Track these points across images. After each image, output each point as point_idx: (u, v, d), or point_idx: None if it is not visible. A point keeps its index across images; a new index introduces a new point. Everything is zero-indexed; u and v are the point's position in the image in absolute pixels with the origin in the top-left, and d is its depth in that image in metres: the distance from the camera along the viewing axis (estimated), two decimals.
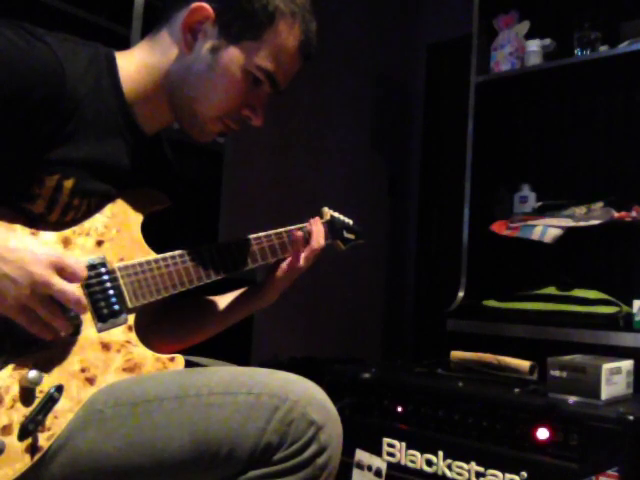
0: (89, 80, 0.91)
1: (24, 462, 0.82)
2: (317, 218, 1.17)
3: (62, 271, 0.81)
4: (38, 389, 0.84)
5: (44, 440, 0.84)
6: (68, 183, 0.90)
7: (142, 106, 0.99)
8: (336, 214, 1.25)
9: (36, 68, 0.84)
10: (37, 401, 0.84)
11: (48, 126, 0.86)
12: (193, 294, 1.13)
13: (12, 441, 0.81)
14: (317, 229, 1.15)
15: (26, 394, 0.83)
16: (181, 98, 0.99)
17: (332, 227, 1.22)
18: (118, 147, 0.97)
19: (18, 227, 0.88)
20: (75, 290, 0.82)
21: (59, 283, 0.80)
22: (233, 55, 0.96)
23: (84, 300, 0.85)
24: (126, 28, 1.99)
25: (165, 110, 1.02)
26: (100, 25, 1.96)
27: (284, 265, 1.11)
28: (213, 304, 1.17)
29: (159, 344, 1.06)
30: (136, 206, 1.00)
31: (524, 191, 2.51)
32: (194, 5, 0.95)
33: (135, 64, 0.99)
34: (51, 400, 0.84)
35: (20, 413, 0.83)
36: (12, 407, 0.82)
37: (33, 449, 0.83)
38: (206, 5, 0.95)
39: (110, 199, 0.97)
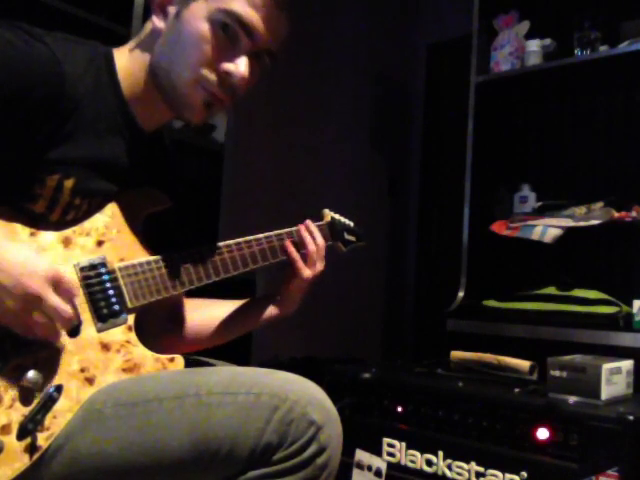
0: (88, 79, 0.91)
1: (23, 462, 0.82)
2: (307, 221, 1.15)
3: (58, 286, 0.82)
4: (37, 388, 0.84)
5: (43, 440, 0.84)
6: (69, 183, 0.90)
7: (141, 103, 0.99)
8: (337, 216, 1.24)
9: (35, 68, 0.84)
10: (36, 401, 0.84)
11: (48, 126, 0.86)
12: (205, 297, 1.13)
13: (11, 440, 0.81)
14: (305, 234, 1.13)
15: (25, 394, 0.83)
16: (161, 76, 0.96)
17: (333, 229, 1.21)
18: (118, 146, 0.97)
19: (19, 227, 0.88)
20: (66, 307, 0.83)
21: (52, 298, 0.81)
22: (195, 9, 0.92)
23: (73, 318, 0.85)
24: (126, 28, 1.99)
25: (162, 106, 1.01)
26: (100, 25, 1.96)
27: (290, 275, 1.11)
28: (227, 310, 1.16)
29: (164, 346, 1.06)
30: (137, 206, 1.00)
31: (524, 191, 2.51)
32: None
33: (130, 59, 0.98)
34: (50, 400, 0.84)
35: (19, 413, 0.83)
36: (11, 407, 0.82)
37: (32, 449, 0.83)
38: None
39: (111, 198, 0.97)
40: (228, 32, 0.92)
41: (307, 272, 1.11)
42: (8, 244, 0.83)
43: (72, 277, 0.89)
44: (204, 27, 0.92)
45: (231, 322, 1.15)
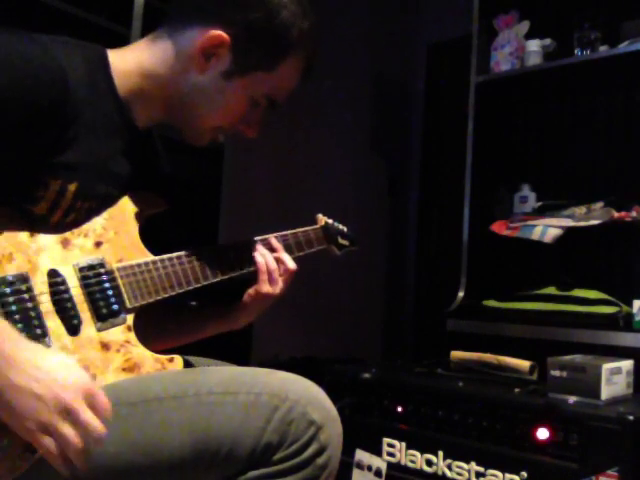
0: (86, 82, 0.91)
1: (25, 460, 0.82)
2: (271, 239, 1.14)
3: (91, 400, 0.77)
4: None
5: None
6: (72, 187, 0.90)
7: (136, 104, 1.00)
8: (330, 221, 1.28)
9: (40, 76, 0.84)
10: None
11: (53, 132, 0.86)
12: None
13: (13, 438, 0.81)
14: (276, 246, 1.13)
15: None
16: (182, 111, 1.02)
17: (327, 232, 1.25)
18: (117, 147, 0.98)
19: (15, 229, 0.88)
20: (99, 425, 0.77)
21: (87, 413, 0.76)
22: (244, 84, 0.99)
23: (102, 437, 0.80)
24: (126, 28, 1.99)
25: (158, 111, 1.03)
26: (100, 25, 1.96)
27: (251, 291, 1.11)
28: (193, 314, 1.17)
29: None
30: (133, 209, 1.01)
31: (524, 191, 2.51)
32: (213, 33, 0.95)
33: (133, 64, 0.99)
34: None
35: None
36: None
37: (34, 447, 0.82)
38: (224, 34, 0.95)
39: (111, 199, 0.98)
40: (258, 106, 1.02)
41: (267, 288, 1.09)
42: (43, 353, 0.78)
43: (71, 275, 0.89)
44: (244, 102, 1.00)
45: (194, 328, 1.16)
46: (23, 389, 0.74)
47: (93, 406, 0.76)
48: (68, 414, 0.75)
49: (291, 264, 1.11)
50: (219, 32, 0.95)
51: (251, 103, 1.01)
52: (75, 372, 0.78)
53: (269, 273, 1.09)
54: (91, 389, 0.77)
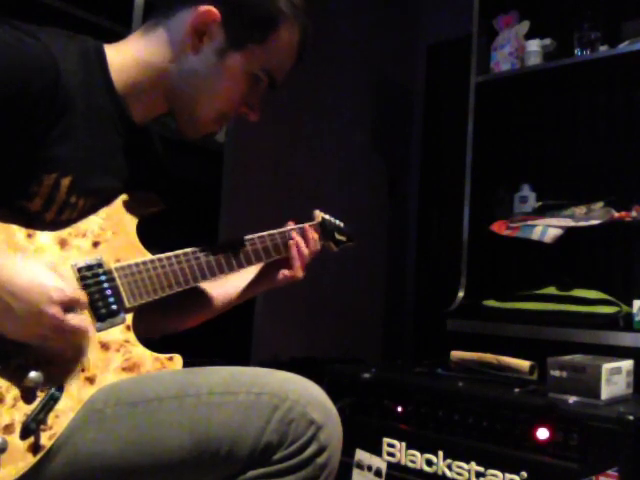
0: (80, 74, 0.91)
1: (27, 461, 0.82)
2: (306, 225, 1.19)
3: (70, 304, 0.82)
4: (39, 388, 0.84)
5: (46, 439, 0.84)
6: (66, 181, 0.90)
7: (134, 98, 0.99)
8: (327, 216, 1.26)
9: (29, 64, 0.83)
10: (38, 400, 0.84)
11: (45, 121, 0.86)
12: None
13: (14, 440, 0.81)
14: (311, 235, 1.17)
15: (27, 393, 0.83)
16: (182, 98, 1.00)
17: (324, 229, 1.24)
18: (112, 140, 0.98)
19: (15, 229, 0.88)
20: (82, 320, 0.84)
21: (69, 320, 0.82)
22: (239, 59, 0.98)
23: (91, 329, 0.87)
24: (126, 28, 1.99)
25: (157, 103, 1.02)
26: (100, 25, 1.96)
27: (286, 272, 1.14)
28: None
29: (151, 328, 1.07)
30: (131, 209, 1.01)
31: (524, 191, 2.51)
32: (202, 9, 0.95)
33: (129, 57, 0.98)
34: (52, 399, 0.84)
35: (21, 412, 0.83)
36: (14, 406, 0.82)
37: (36, 448, 0.83)
38: (214, 9, 0.95)
39: (106, 195, 0.98)
40: (258, 84, 1.01)
41: (301, 274, 1.14)
42: (18, 269, 0.82)
43: (70, 275, 0.90)
44: (242, 79, 0.99)
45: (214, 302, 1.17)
46: (7, 311, 0.79)
47: (72, 307, 0.82)
48: (53, 325, 0.81)
49: (318, 245, 1.18)
50: (208, 7, 0.95)
51: (250, 80, 1.00)
52: (50, 281, 0.81)
53: (303, 260, 1.14)
54: (67, 296, 0.81)
